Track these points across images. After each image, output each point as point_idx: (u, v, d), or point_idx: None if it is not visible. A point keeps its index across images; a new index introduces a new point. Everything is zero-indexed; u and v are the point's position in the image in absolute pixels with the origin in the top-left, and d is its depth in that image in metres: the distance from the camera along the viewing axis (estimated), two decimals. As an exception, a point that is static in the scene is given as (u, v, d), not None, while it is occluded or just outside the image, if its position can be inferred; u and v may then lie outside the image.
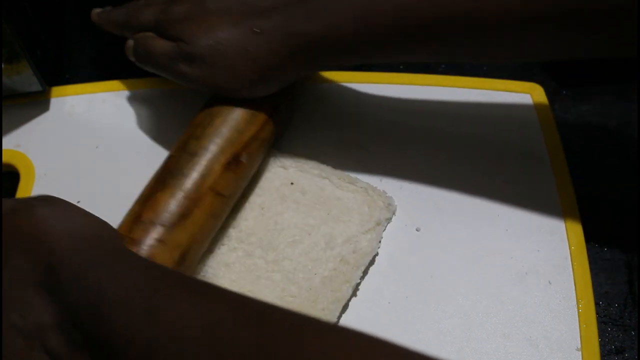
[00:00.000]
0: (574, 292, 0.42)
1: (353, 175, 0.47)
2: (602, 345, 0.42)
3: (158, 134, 0.52)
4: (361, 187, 0.46)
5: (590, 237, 0.45)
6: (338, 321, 0.42)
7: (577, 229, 0.45)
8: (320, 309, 0.41)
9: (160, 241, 0.39)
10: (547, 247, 0.44)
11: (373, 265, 0.44)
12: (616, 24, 0.36)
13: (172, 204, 0.40)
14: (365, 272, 0.43)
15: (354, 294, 0.43)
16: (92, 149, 0.51)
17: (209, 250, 0.44)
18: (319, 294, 0.42)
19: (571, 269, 0.43)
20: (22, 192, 0.49)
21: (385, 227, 0.45)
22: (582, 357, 0.40)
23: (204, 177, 0.42)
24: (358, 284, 0.43)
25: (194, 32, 0.43)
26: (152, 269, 0.34)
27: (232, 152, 0.43)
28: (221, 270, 0.43)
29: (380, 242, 0.44)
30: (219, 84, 0.43)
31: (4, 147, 0.51)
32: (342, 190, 0.46)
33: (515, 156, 0.48)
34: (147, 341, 0.29)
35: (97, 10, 0.51)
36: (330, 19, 0.41)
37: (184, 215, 0.40)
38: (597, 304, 0.43)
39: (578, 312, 0.42)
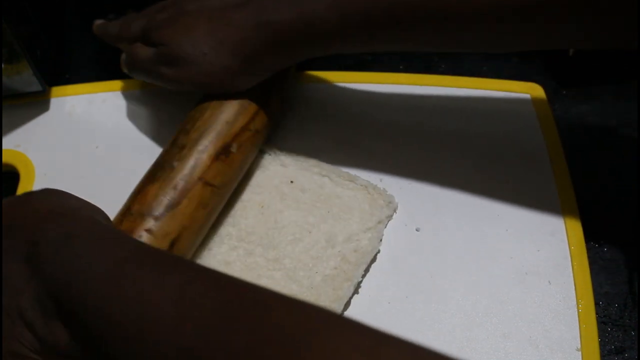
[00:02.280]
0: (573, 292, 0.42)
1: (353, 173, 0.47)
2: (602, 345, 0.42)
3: (158, 134, 0.52)
4: (361, 185, 0.46)
5: (590, 237, 0.45)
6: None
7: (577, 229, 0.45)
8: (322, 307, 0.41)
9: (148, 231, 0.40)
10: (547, 247, 0.44)
11: (375, 263, 0.44)
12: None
13: (161, 195, 0.41)
14: (366, 271, 0.43)
15: (355, 292, 0.43)
16: (92, 149, 0.51)
17: (209, 249, 0.44)
18: (321, 292, 0.42)
19: (571, 269, 0.43)
20: (22, 192, 0.48)
21: (386, 225, 0.45)
22: (582, 357, 0.40)
23: (192, 168, 0.42)
24: (359, 282, 0.43)
25: (172, 35, 0.44)
26: (126, 244, 0.34)
27: (222, 143, 0.43)
28: (221, 268, 0.43)
29: (381, 240, 0.44)
30: (200, 80, 0.44)
31: (4, 147, 0.51)
32: (342, 188, 0.46)
33: (515, 156, 0.48)
34: (112, 309, 0.29)
35: (98, 21, 0.52)
36: (299, 6, 0.41)
37: (172, 205, 0.41)
38: (597, 304, 0.43)
39: (578, 312, 0.42)
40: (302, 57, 0.44)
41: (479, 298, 0.42)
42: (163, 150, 0.45)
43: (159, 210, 0.41)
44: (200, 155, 0.43)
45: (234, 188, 0.45)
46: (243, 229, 0.45)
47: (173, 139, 0.45)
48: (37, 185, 0.49)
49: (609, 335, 0.42)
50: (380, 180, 0.47)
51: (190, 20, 0.44)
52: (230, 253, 0.44)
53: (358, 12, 0.40)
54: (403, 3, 0.39)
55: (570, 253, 0.44)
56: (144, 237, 0.40)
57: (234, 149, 0.44)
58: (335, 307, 0.41)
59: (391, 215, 0.46)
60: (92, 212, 0.38)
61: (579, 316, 0.41)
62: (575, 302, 0.42)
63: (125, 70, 0.49)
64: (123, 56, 0.49)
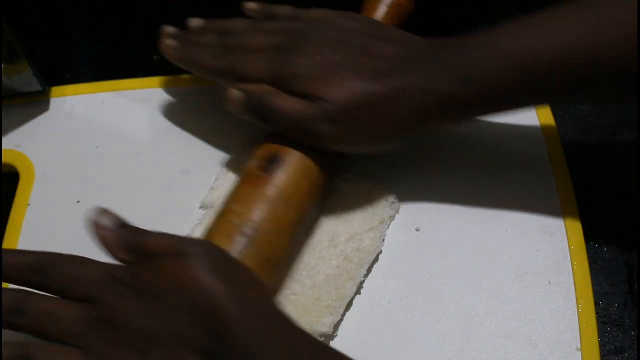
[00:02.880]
0: (573, 292, 0.42)
1: (355, 174, 0.47)
2: (602, 345, 0.41)
3: (158, 134, 0.52)
4: (364, 186, 0.46)
5: (590, 237, 0.45)
6: (342, 319, 0.42)
7: (577, 229, 0.45)
8: (325, 307, 0.41)
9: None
10: (547, 247, 0.44)
11: (377, 264, 0.44)
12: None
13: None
14: (369, 271, 0.43)
15: (357, 292, 0.43)
16: (92, 149, 0.51)
17: None
18: (323, 292, 0.42)
19: (571, 269, 0.43)
20: (21, 192, 0.49)
21: (389, 225, 0.45)
22: (582, 357, 0.40)
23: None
24: (362, 282, 0.43)
25: (333, 90, 0.40)
26: (316, 346, 0.33)
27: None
28: None
29: (384, 240, 0.44)
30: (364, 142, 0.42)
31: (4, 147, 0.51)
32: (345, 189, 0.46)
33: (515, 156, 0.48)
34: None
35: (170, 43, 0.47)
36: (466, 72, 0.39)
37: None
38: (597, 304, 0.43)
39: (578, 312, 0.42)
40: (466, 121, 0.43)
41: (479, 298, 0.42)
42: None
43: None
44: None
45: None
46: None
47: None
48: (36, 185, 0.49)
49: (609, 335, 0.42)
50: (382, 181, 0.47)
51: (349, 76, 0.41)
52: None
53: (534, 77, 0.39)
54: (560, 67, 0.38)
55: (570, 253, 0.44)
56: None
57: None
58: (338, 306, 0.41)
59: (394, 216, 0.46)
60: (261, 289, 0.35)
61: (579, 316, 0.41)
62: (575, 302, 0.42)
63: (236, 111, 0.43)
64: (237, 94, 0.43)
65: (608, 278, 0.44)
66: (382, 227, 0.44)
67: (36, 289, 0.35)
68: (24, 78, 0.51)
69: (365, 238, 0.44)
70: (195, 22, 0.50)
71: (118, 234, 0.36)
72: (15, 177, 0.50)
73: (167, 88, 0.54)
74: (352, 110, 0.40)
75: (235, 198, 0.41)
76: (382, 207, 0.45)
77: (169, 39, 0.48)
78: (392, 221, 0.46)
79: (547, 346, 0.40)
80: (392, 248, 0.45)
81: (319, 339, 0.40)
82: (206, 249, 0.34)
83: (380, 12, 0.49)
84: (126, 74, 0.55)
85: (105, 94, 0.54)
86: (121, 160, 0.50)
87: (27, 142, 0.51)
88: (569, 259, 0.44)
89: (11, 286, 0.36)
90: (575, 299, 0.42)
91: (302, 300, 0.41)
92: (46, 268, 0.35)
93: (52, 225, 0.47)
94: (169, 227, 0.46)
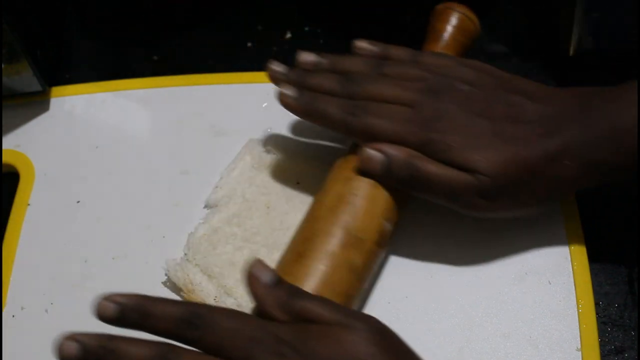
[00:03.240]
0: (573, 292, 0.42)
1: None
2: (602, 345, 0.41)
3: (158, 134, 0.52)
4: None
5: (590, 237, 0.45)
6: None
7: (577, 229, 0.45)
8: None
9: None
10: (547, 247, 0.44)
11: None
12: None
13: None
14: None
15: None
16: (92, 149, 0.51)
17: (214, 249, 0.44)
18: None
19: (571, 269, 0.43)
20: (21, 192, 0.49)
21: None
22: (582, 357, 0.40)
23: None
24: None
25: (487, 162, 0.38)
26: None
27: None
28: (227, 269, 0.43)
29: None
30: (511, 211, 0.41)
31: (4, 147, 0.51)
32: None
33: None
34: None
35: (289, 92, 0.43)
36: (623, 141, 0.38)
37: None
38: (597, 304, 0.43)
39: (578, 312, 0.42)
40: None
41: (479, 298, 0.42)
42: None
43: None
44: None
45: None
46: (248, 230, 0.45)
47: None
48: (36, 185, 0.49)
49: (609, 335, 0.42)
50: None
51: (503, 145, 0.39)
52: (235, 253, 0.44)
53: None
54: None
55: (570, 253, 0.44)
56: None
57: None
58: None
59: None
60: None
61: (579, 316, 0.41)
62: (575, 302, 0.42)
63: (373, 173, 0.40)
64: (376, 155, 0.40)
65: (608, 278, 0.44)
66: None
67: (185, 343, 0.32)
68: (24, 78, 0.51)
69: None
70: (305, 58, 0.45)
71: (275, 291, 0.34)
72: (15, 177, 0.50)
73: (167, 88, 0.54)
74: (508, 183, 0.39)
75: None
76: None
77: (286, 86, 0.43)
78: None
79: (547, 346, 0.40)
80: (392, 248, 0.45)
81: None
82: (373, 324, 0.33)
83: (447, 34, 0.48)
84: (126, 74, 0.55)
85: (105, 94, 0.54)
86: (121, 160, 0.50)
87: (27, 142, 0.51)
88: (569, 259, 0.44)
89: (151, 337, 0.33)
90: (575, 299, 0.42)
91: None
92: (200, 320, 0.32)
93: (52, 225, 0.47)
94: (169, 227, 0.46)
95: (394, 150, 0.40)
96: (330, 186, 0.42)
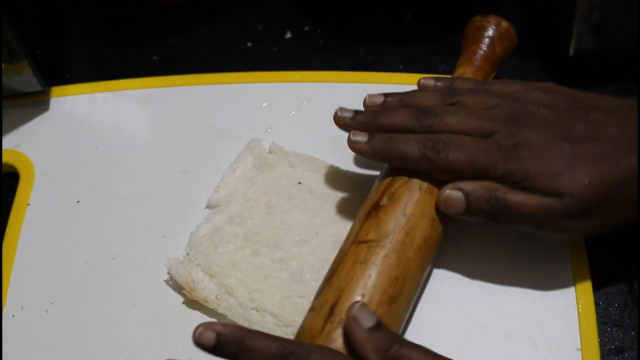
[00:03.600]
0: (573, 292, 0.42)
1: (358, 174, 0.47)
2: (602, 345, 0.41)
3: (158, 134, 0.52)
4: (368, 186, 0.45)
5: (591, 237, 0.45)
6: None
7: (577, 229, 0.45)
8: None
9: (310, 310, 0.38)
10: (547, 247, 0.44)
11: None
12: None
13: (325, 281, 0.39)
14: None
15: None
16: (92, 149, 0.51)
17: (215, 248, 0.44)
18: None
19: (571, 269, 0.43)
20: (21, 192, 0.49)
21: None
22: (582, 357, 0.40)
23: (349, 240, 0.40)
24: None
25: (572, 184, 0.38)
26: None
27: (371, 204, 0.41)
28: (228, 268, 0.43)
29: None
30: (599, 230, 0.40)
31: (4, 147, 0.51)
32: (349, 190, 0.46)
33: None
34: None
35: (360, 138, 0.41)
36: None
37: (329, 276, 0.39)
38: (597, 304, 0.43)
39: (578, 312, 0.42)
40: None
41: (479, 298, 0.42)
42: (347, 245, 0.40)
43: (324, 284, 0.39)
44: (354, 226, 0.40)
45: (399, 230, 0.39)
46: (249, 229, 0.45)
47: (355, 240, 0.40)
48: (36, 185, 0.49)
49: (609, 335, 0.42)
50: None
51: (585, 165, 0.38)
52: (236, 253, 0.44)
53: None
54: None
55: (570, 253, 0.44)
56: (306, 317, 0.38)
57: (384, 201, 0.40)
58: None
59: None
60: None
61: (579, 316, 0.41)
62: (575, 302, 0.42)
63: (454, 213, 0.40)
64: (455, 195, 0.39)
65: (608, 278, 0.44)
66: None
67: None
68: (24, 78, 0.51)
69: None
70: (373, 100, 0.44)
71: (375, 336, 0.34)
72: (15, 177, 0.50)
73: (167, 88, 0.54)
74: (594, 202, 0.38)
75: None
76: None
77: (356, 133, 0.41)
78: None
79: (547, 346, 0.40)
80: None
81: None
82: None
83: (484, 44, 0.48)
84: (126, 74, 0.55)
85: (105, 94, 0.54)
86: (121, 160, 0.50)
87: (27, 142, 0.51)
88: (569, 258, 0.44)
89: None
90: (575, 299, 0.42)
91: (303, 304, 0.41)
92: (296, 358, 0.32)
93: (52, 225, 0.47)
94: (169, 227, 0.46)
95: (473, 187, 0.39)
96: (417, 223, 0.40)
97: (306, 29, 0.59)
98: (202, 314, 0.42)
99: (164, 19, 0.60)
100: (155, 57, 0.58)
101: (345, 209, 0.45)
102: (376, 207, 0.40)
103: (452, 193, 0.39)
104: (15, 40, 0.47)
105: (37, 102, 0.53)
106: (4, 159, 0.50)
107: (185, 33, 0.59)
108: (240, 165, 0.48)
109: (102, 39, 0.60)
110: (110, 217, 0.47)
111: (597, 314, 0.42)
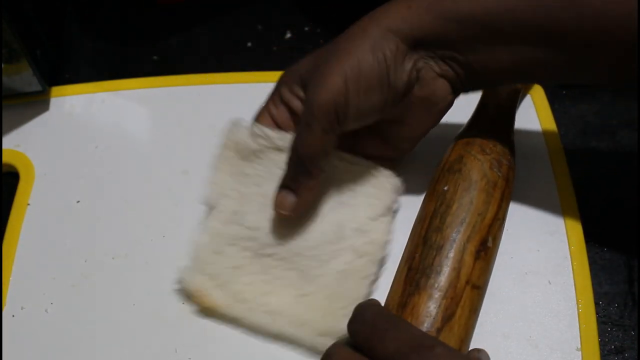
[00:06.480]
0: (573, 292, 0.42)
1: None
2: (602, 345, 0.41)
3: (158, 134, 0.52)
4: (364, 166, 0.45)
5: (590, 237, 0.45)
6: None
7: (577, 229, 0.45)
8: (339, 307, 0.40)
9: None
10: (547, 247, 0.44)
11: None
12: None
13: (432, 306, 0.37)
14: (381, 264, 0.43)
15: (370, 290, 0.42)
16: (91, 149, 0.51)
17: (219, 255, 0.43)
18: (334, 292, 0.41)
19: (571, 269, 0.43)
20: (21, 192, 0.49)
21: (395, 213, 0.45)
22: (582, 357, 0.40)
23: (457, 270, 0.38)
24: (374, 280, 0.42)
25: None
26: None
27: (479, 238, 0.40)
28: (232, 274, 0.42)
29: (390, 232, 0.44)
30: None
31: (4, 147, 0.51)
32: (344, 171, 0.45)
33: (516, 156, 0.48)
34: None
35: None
36: None
37: (448, 317, 0.37)
38: (597, 304, 0.43)
39: (578, 312, 0.42)
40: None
41: (479, 298, 0.42)
42: (411, 250, 0.40)
43: (434, 324, 0.37)
44: (461, 256, 0.39)
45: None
46: (249, 226, 0.44)
47: (422, 238, 0.40)
48: (36, 185, 0.49)
49: (609, 335, 0.42)
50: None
51: None
52: (240, 255, 0.43)
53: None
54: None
55: (570, 253, 0.44)
56: None
57: (490, 243, 0.40)
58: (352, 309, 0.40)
59: (398, 200, 0.45)
60: None
61: (579, 316, 0.41)
62: (575, 302, 0.42)
63: None
64: None
65: (608, 278, 0.44)
66: (388, 217, 0.44)
67: None
68: (24, 78, 0.51)
69: (373, 230, 0.43)
70: None
71: None
72: (15, 177, 0.50)
73: (167, 88, 0.54)
74: None
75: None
76: (386, 191, 0.44)
77: None
78: (397, 207, 0.45)
79: (547, 346, 0.40)
80: (392, 246, 0.44)
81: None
82: None
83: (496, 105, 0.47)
84: (126, 74, 0.55)
85: (105, 94, 0.54)
86: (121, 160, 0.50)
87: (27, 142, 0.51)
88: (569, 259, 0.44)
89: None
90: (575, 299, 0.42)
91: (314, 301, 0.41)
92: None
93: (52, 225, 0.47)
94: (169, 227, 0.46)
95: None
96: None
97: (306, 29, 0.59)
98: (202, 314, 0.42)
99: (164, 19, 0.60)
100: (155, 57, 0.58)
101: (340, 192, 0.44)
102: (485, 247, 0.40)
103: None
104: (15, 40, 0.47)
105: (37, 102, 0.53)
106: (4, 159, 0.50)
107: (185, 33, 0.59)
108: (226, 155, 0.46)
109: (102, 39, 0.60)
110: (110, 217, 0.47)
111: (597, 314, 0.42)
